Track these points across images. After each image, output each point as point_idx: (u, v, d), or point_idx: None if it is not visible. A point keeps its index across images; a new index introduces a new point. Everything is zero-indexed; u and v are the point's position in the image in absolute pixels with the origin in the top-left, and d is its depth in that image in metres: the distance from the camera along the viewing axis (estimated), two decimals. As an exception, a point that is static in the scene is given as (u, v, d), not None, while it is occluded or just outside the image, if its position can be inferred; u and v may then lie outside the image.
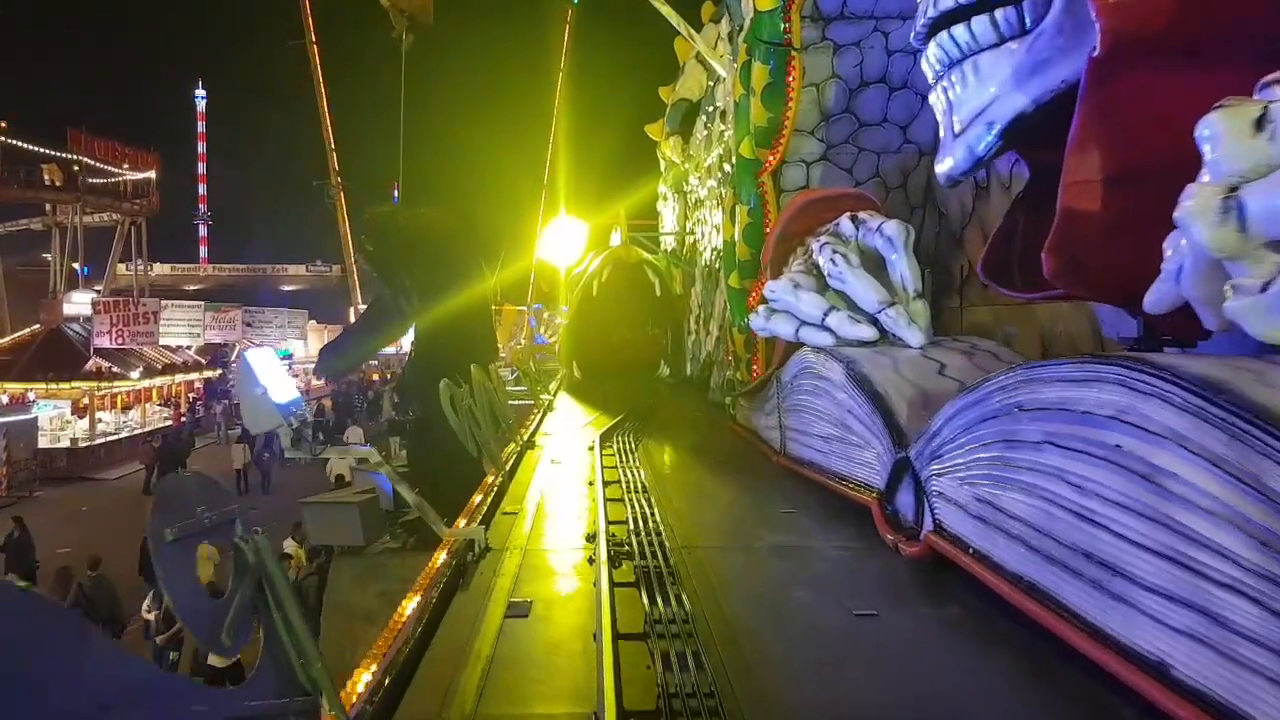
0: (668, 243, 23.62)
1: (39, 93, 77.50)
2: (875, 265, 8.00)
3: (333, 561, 10.86)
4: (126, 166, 54.45)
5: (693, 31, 15.69)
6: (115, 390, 34.79)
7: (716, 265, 16.59)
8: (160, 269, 68.64)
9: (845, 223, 8.36)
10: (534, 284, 62.68)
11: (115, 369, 35.51)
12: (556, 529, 6.52)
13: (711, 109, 17.23)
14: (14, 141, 48.81)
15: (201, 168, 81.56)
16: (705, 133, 18.18)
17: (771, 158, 11.23)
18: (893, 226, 7.53)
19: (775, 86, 10.61)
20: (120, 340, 34.27)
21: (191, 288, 69.58)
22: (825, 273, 7.75)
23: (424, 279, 11.54)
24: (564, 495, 7.85)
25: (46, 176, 51.86)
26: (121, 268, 55.44)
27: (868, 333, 7.34)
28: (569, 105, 37.21)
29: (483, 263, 13.07)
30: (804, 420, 8.08)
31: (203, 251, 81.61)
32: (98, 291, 46.40)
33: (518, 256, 45.81)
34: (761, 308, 8.49)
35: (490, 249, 13.59)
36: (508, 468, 8.81)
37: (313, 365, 42.30)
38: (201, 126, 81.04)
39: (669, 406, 15.31)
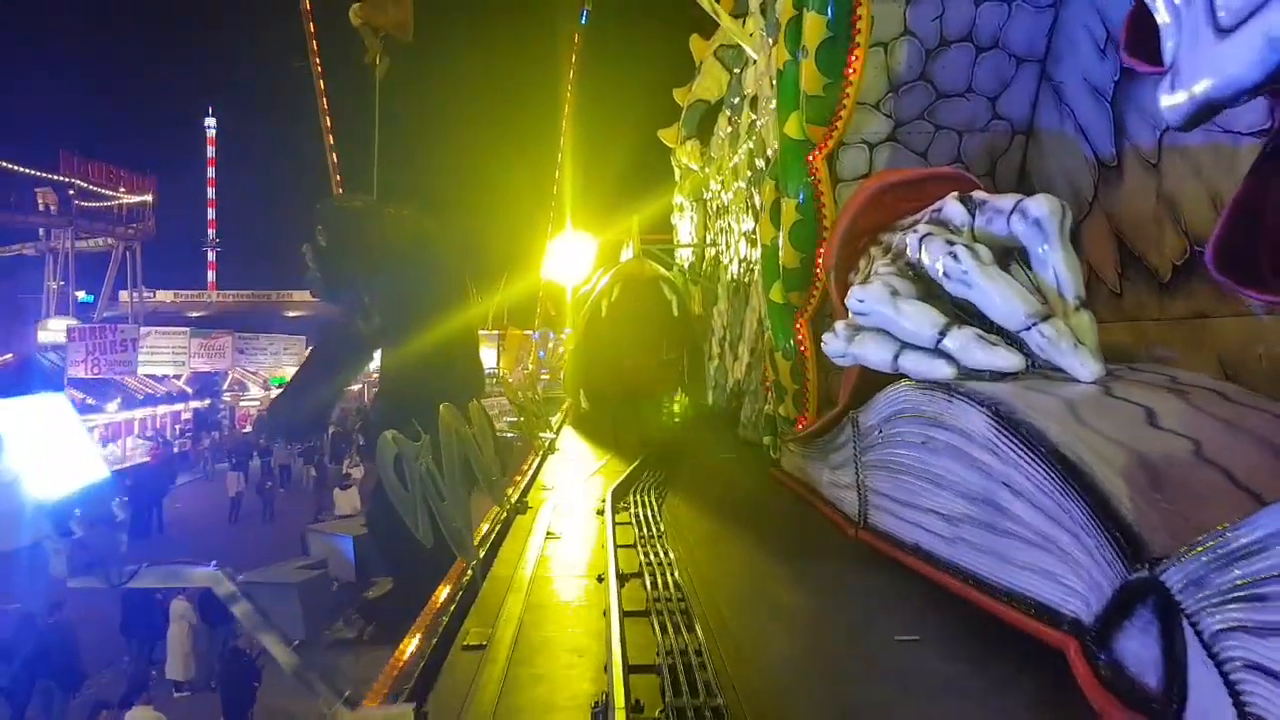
0: (684, 257, 21.32)
1: (31, 112, 76.15)
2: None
3: (263, 656, 8.57)
4: (122, 190, 52.93)
5: (717, 6, 13.43)
6: (91, 424, 32.78)
7: (745, 279, 14.24)
8: (163, 295, 67.08)
9: (953, 207, 5.97)
10: (541, 306, 60.57)
11: (90, 400, 33.47)
12: (544, 685, 4.08)
13: (738, 100, 14.94)
14: (2, 163, 47.22)
15: (210, 194, 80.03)
16: (729, 130, 15.89)
17: (827, 138, 8.88)
18: (1042, 205, 5.14)
19: (835, 42, 8.26)
20: (96, 369, 32.20)
21: (194, 314, 67.90)
22: (942, 273, 5.33)
23: (391, 292, 9.21)
24: (560, 605, 5.41)
25: (40, 201, 50.52)
26: (126, 294, 53.77)
27: (1010, 360, 4.92)
28: (576, 112, 35.05)
29: (468, 280, 10.75)
30: (904, 486, 5.66)
31: (211, 277, 79.96)
32: (106, 318, 44.61)
33: (521, 276, 43.66)
34: (840, 326, 6.08)
35: (478, 262, 11.23)
36: (486, 548, 6.41)
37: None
38: (211, 153, 79.65)
39: (692, 445, 12.87)
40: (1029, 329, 4.92)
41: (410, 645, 4.41)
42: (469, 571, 5.67)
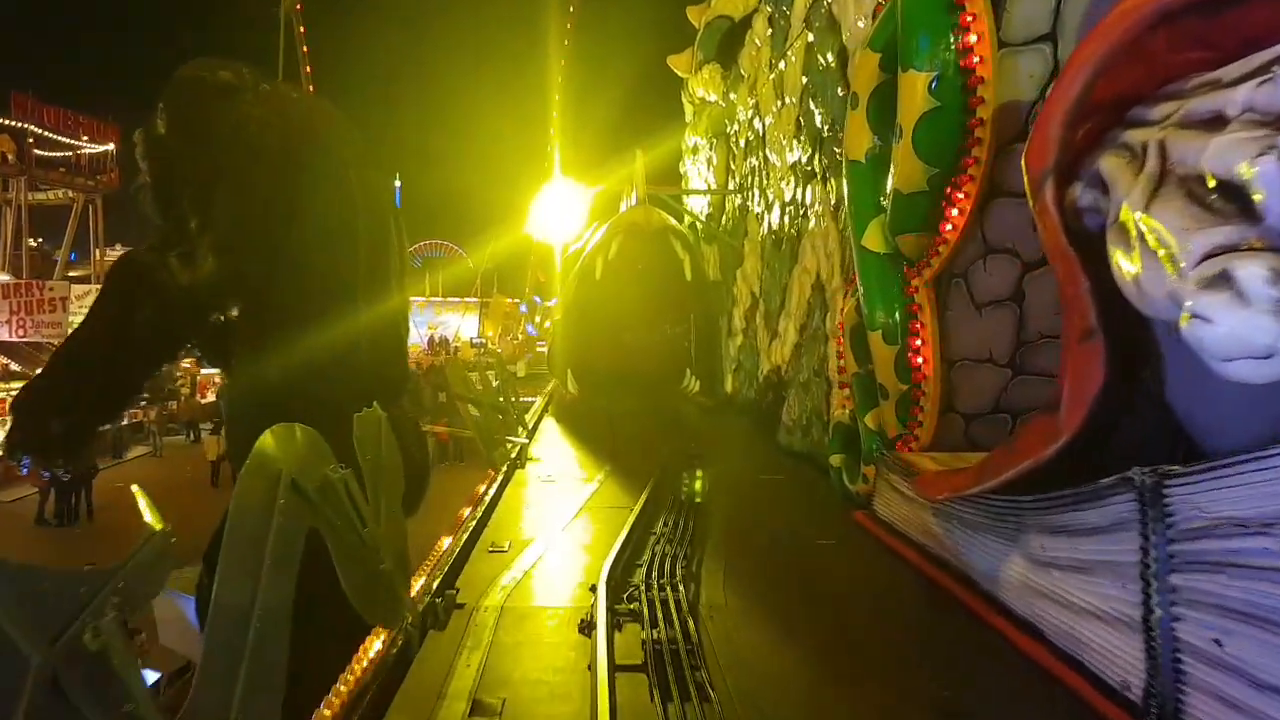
0: (698, 210, 17.51)
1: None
2: None
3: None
4: (84, 138, 48.95)
5: None
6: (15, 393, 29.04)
7: (791, 230, 10.53)
8: (136, 253, 63.28)
9: None
10: (531, 270, 56.52)
11: (15, 366, 29.72)
12: None
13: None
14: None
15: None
16: (769, 33, 12.05)
17: (992, -39, 5.15)
18: None
19: None
20: (21, 331, 28.33)
21: (169, 273, 64.01)
22: None
23: (240, 216, 5.48)
24: None
25: (-2, 148, 46.78)
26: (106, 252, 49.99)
27: None
28: (572, 41, 30.89)
29: (395, 219, 6.96)
30: None
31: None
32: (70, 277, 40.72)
33: (509, 234, 39.91)
34: (1247, 268, 2.36)
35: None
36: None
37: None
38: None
39: (719, 456, 9.21)
40: None
41: None
42: None
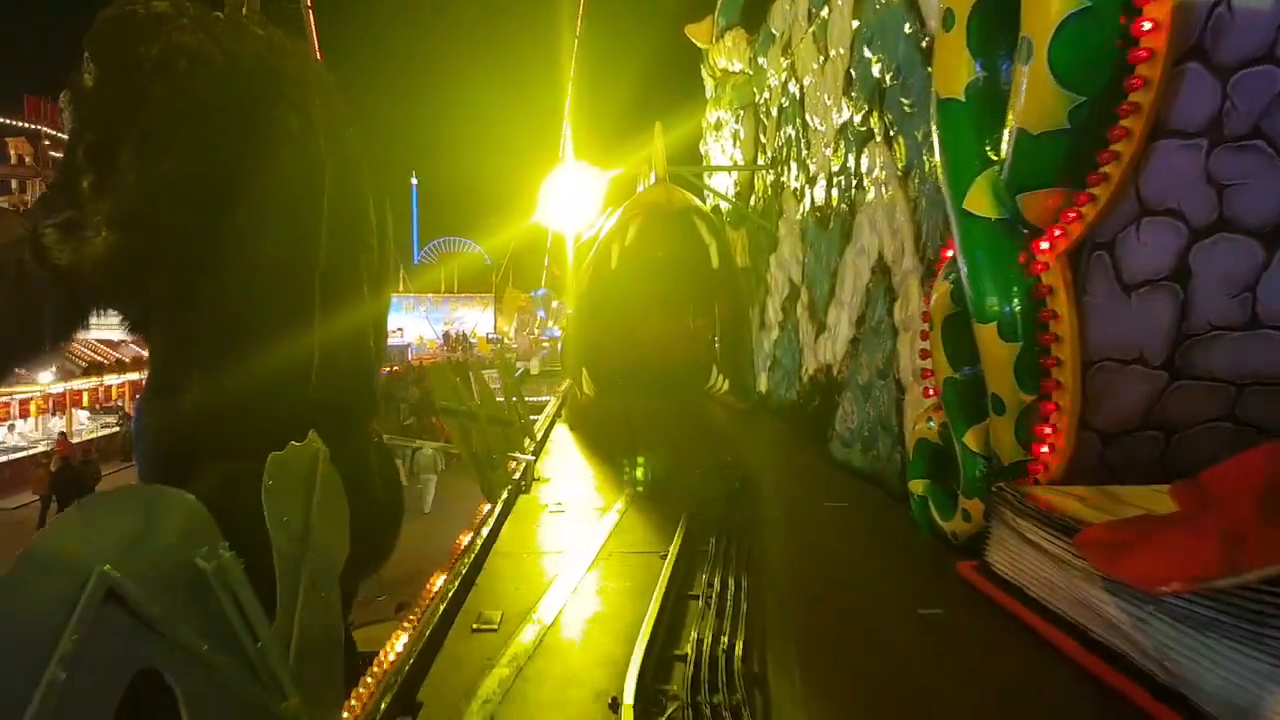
0: (723, 189, 15.92)
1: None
2: None
3: None
4: (102, 140, 48.29)
5: None
6: (21, 395, 28.30)
7: (840, 205, 8.96)
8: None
9: None
10: (549, 263, 55.10)
11: (20, 370, 28.58)
12: None
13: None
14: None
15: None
16: (807, -20, 10.44)
17: None
18: None
19: None
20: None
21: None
22: None
23: (169, 179, 4.06)
24: None
25: (13, 151, 46.91)
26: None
27: None
28: (581, 20, 29.31)
29: (373, 196, 5.47)
30: None
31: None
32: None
33: (523, 223, 38.58)
34: None
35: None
36: None
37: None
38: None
39: (764, 476, 7.71)
40: None
41: None
42: None
